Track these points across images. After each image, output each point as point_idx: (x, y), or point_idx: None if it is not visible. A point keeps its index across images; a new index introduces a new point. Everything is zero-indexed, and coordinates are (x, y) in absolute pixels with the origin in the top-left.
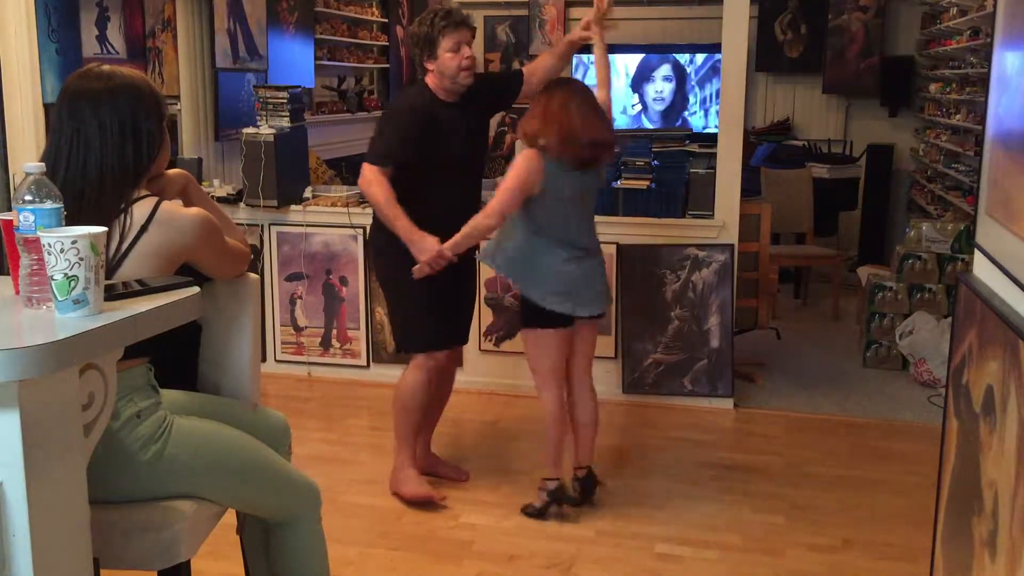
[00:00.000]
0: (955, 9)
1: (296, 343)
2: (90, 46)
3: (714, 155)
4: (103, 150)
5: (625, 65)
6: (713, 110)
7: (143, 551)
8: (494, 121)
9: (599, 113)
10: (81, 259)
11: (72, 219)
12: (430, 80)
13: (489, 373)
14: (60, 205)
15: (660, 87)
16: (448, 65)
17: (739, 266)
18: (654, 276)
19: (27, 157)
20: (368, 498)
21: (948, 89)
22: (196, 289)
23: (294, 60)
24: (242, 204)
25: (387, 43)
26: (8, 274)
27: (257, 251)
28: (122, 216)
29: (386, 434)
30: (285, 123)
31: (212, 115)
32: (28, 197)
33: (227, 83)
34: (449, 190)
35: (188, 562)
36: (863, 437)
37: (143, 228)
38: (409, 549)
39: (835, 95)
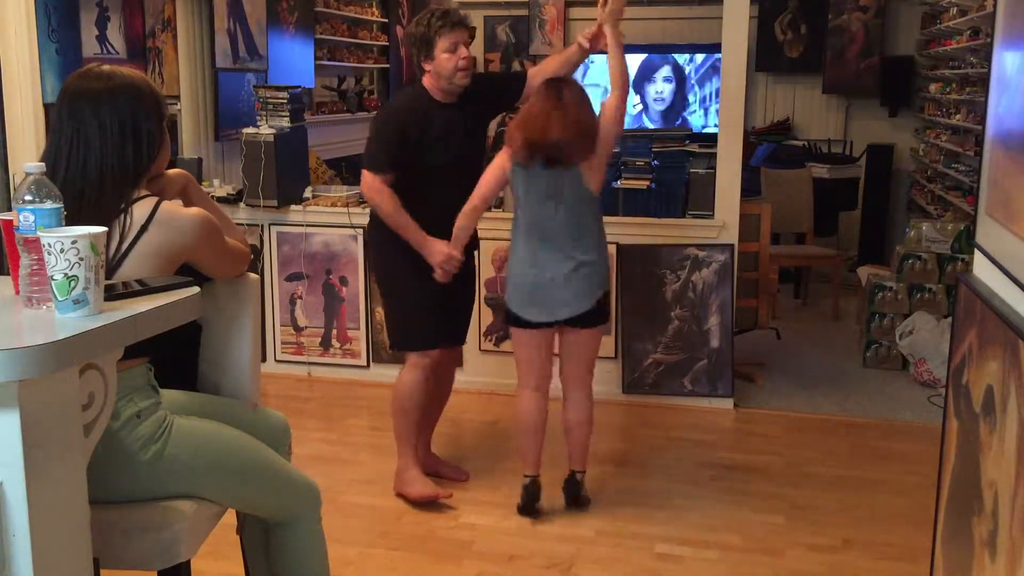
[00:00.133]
0: (955, 9)
1: (296, 343)
2: (90, 46)
3: (714, 155)
4: (103, 150)
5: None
6: (712, 109)
7: (143, 551)
8: (494, 122)
9: (567, 114)
10: (81, 259)
11: (72, 219)
12: (427, 81)
13: (489, 373)
14: (60, 205)
15: (660, 88)
16: (444, 66)
17: (739, 266)
18: (654, 276)
19: (27, 157)
20: (368, 498)
21: (948, 89)
22: (196, 289)
23: (294, 60)
24: (242, 204)
25: (387, 43)
26: (8, 274)
27: (257, 251)
28: (122, 216)
29: (386, 434)
30: (285, 123)
31: (212, 115)
32: (28, 197)
33: (227, 83)
34: (447, 190)
35: (188, 562)
36: (863, 437)
37: (143, 228)
38: (409, 549)
39: (835, 95)
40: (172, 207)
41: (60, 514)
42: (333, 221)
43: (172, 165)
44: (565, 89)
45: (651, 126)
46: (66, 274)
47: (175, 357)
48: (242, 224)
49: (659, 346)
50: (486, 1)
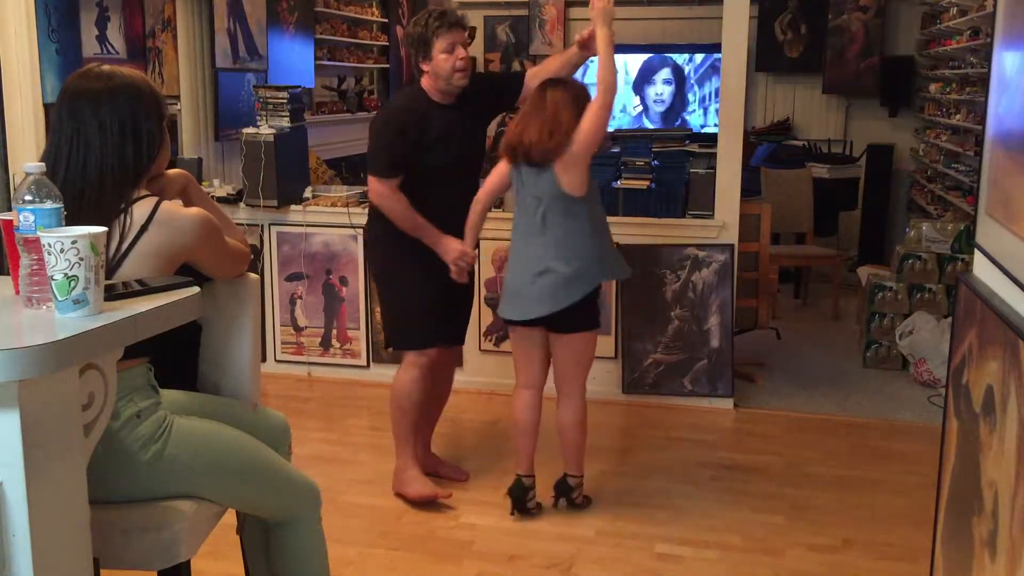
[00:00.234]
0: (955, 9)
1: (296, 343)
2: (90, 46)
3: (714, 155)
4: (103, 150)
5: (625, 65)
6: (712, 109)
7: (143, 551)
8: (494, 122)
9: (543, 115)
10: (81, 259)
11: (72, 219)
12: (425, 82)
13: (489, 373)
14: (60, 205)
15: (660, 89)
16: (442, 66)
17: (739, 266)
18: (654, 276)
19: (27, 157)
20: (368, 498)
21: (948, 89)
22: (196, 289)
23: (294, 60)
24: (242, 204)
25: (387, 43)
26: (8, 274)
27: (257, 251)
28: (122, 216)
29: (386, 434)
30: (285, 123)
31: (212, 115)
32: (28, 197)
33: (227, 83)
34: (447, 191)
35: (188, 562)
36: (863, 437)
37: (143, 228)
38: (409, 549)
39: (835, 95)
40: (172, 207)
41: (60, 514)
42: (333, 221)
43: (172, 165)
44: (551, 90)
45: (651, 126)
46: (66, 274)
47: (175, 357)
48: (242, 224)
49: (659, 346)
50: (486, 1)
